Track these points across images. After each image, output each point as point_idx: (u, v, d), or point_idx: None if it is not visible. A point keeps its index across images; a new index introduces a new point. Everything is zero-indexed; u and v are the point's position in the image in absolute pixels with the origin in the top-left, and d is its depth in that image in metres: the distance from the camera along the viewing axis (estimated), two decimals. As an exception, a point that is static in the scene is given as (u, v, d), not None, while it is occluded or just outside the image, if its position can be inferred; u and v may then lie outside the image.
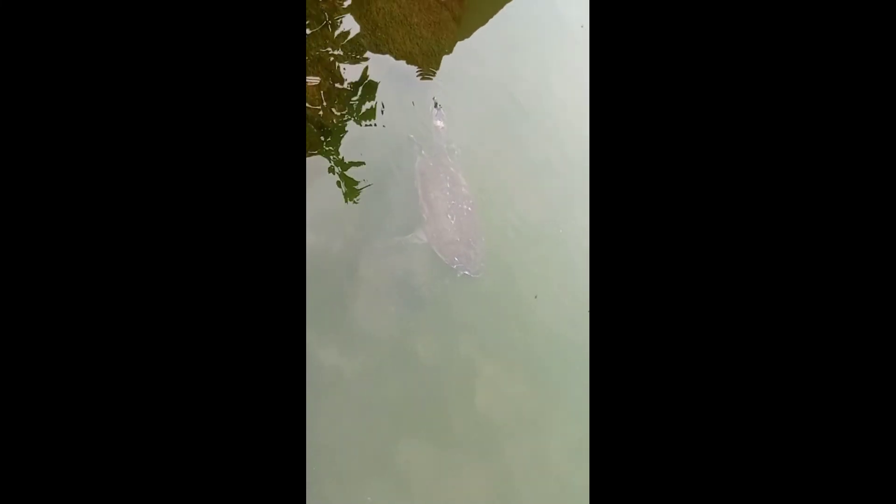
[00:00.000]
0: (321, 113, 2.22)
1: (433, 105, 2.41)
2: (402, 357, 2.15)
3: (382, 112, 2.37)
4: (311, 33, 2.30)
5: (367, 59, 2.41)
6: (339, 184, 2.20)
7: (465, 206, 2.22)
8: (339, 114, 2.27)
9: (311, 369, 1.95)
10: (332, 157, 2.22)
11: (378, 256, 2.23)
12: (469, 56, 2.74)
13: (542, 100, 2.81)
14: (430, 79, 2.52)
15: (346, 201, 2.18)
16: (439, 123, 2.36)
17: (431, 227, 2.13)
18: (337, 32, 2.38)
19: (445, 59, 2.64)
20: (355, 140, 2.30)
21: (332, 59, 2.31)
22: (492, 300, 2.37)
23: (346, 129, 2.29)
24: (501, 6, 2.95)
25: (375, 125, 2.31)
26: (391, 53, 2.43)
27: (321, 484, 1.91)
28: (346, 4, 2.39)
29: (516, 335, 2.34)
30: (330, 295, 2.15)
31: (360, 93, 2.33)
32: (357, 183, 2.20)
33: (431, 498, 2.04)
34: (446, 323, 2.27)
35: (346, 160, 2.25)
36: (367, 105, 2.31)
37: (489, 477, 2.10)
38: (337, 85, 2.31)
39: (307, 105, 2.20)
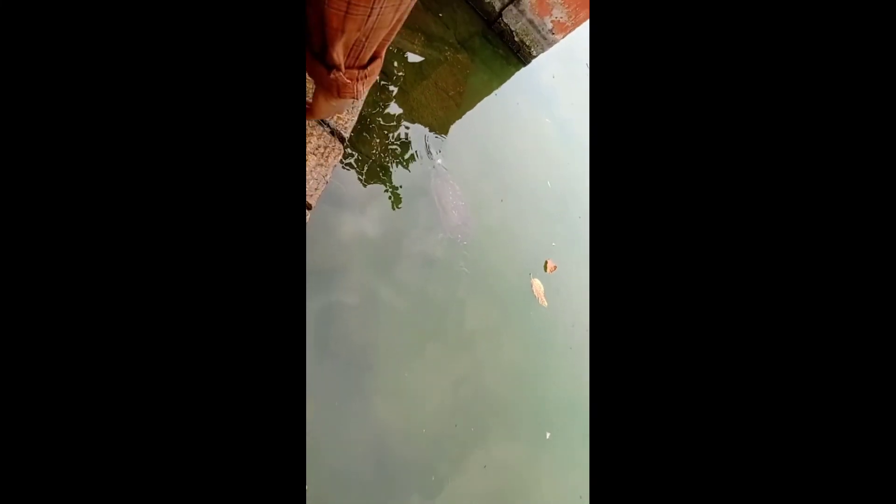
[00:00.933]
0: (381, 158, 3.33)
1: (427, 150, 3.42)
2: (423, 296, 3.00)
3: (416, 156, 3.52)
4: (371, 113, 3.49)
5: (408, 127, 3.47)
6: (390, 198, 3.26)
7: (461, 203, 3.25)
8: (390, 158, 3.30)
9: (377, 302, 2.79)
10: (386, 183, 3.21)
11: (412, 239, 3.10)
12: (464, 125, 3.84)
13: (503, 145, 3.92)
14: (441, 138, 3.61)
15: (393, 208, 3.24)
16: (439, 161, 3.45)
17: (445, 220, 3.23)
18: (386, 112, 3.43)
19: (452, 127, 3.73)
20: (399, 173, 3.26)
21: (383, 128, 3.40)
22: (475, 261, 3.27)
23: (393, 167, 3.30)
24: (482, 99, 4.05)
25: (396, 167, 3.34)
26: (420, 123, 3.50)
27: (379, 364, 2.61)
28: (393, 95, 3.47)
29: (491, 281, 3.29)
30: (385, 259, 2.94)
31: (401, 146, 3.44)
32: (400, 198, 3.27)
33: (439, 371, 2.84)
34: (449, 274, 3.17)
35: (396, 184, 3.18)
36: (408, 153, 3.41)
37: (470, 363, 2.96)
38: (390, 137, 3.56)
39: (375, 153, 3.46)
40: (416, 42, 3.76)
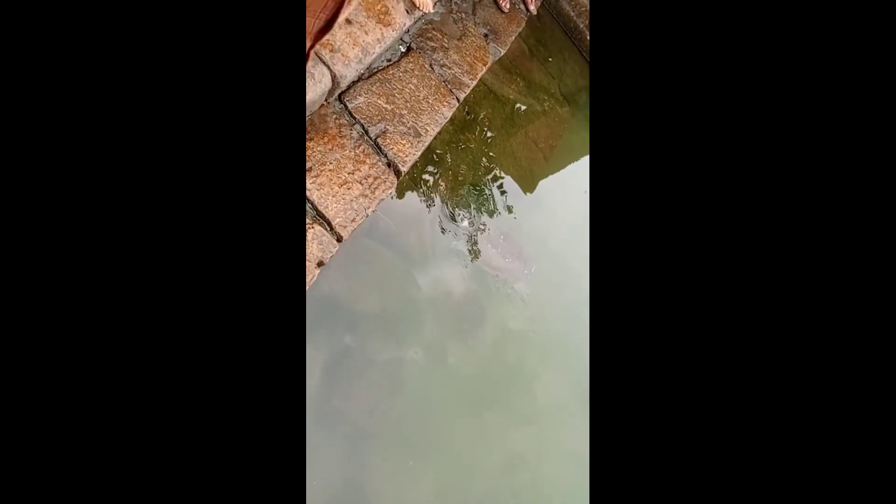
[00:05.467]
0: (446, 200, 3.16)
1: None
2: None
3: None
4: (442, 151, 3.26)
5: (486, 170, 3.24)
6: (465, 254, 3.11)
7: (515, 254, 3.08)
8: (456, 203, 3.16)
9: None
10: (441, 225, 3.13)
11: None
12: (549, 184, 3.57)
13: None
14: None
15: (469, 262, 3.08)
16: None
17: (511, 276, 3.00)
18: (460, 150, 3.19)
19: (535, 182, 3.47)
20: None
21: (452, 168, 3.16)
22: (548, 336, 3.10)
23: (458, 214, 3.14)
24: (576, 159, 3.74)
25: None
26: (500, 170, 3.24)
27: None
28: (474, 136, 3.25)
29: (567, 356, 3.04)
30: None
31: (472, 193, 3.21)
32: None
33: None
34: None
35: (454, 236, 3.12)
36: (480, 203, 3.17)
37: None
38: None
39: (438, 191, 3.12)
40: (513, 87, 3.53)
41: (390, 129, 2.79)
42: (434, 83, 3.08)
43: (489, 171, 3.26)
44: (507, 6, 3.66)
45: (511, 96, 3.48)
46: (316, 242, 2.49)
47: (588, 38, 3.89)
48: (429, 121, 2.97)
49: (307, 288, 2.37)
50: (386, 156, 2.73)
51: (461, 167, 3.13)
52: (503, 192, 3.24)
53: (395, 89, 2.89)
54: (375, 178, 2.66)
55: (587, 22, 3.91)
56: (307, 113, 2.61)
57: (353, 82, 2.80)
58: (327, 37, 2.20)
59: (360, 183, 2.65)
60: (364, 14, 2.90)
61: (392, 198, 2.82)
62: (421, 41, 3.16)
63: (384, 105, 2.81)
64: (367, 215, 2.57)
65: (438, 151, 3.06)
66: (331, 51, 2.68)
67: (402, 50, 3.04)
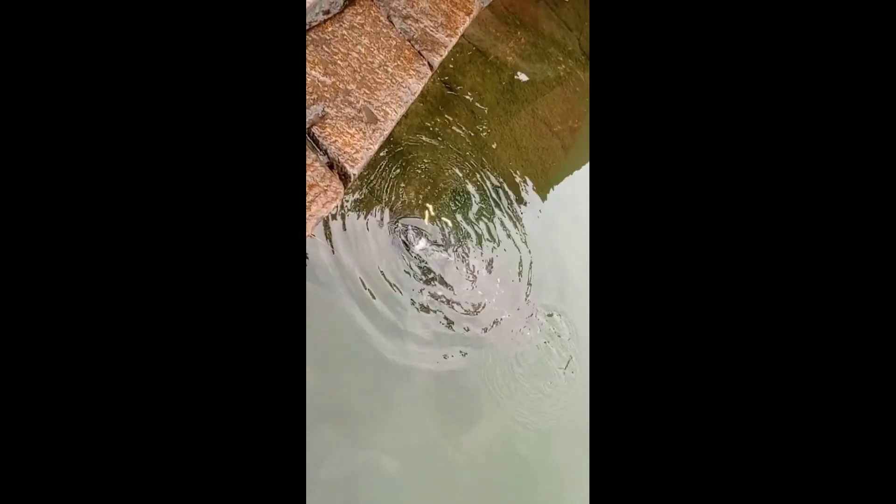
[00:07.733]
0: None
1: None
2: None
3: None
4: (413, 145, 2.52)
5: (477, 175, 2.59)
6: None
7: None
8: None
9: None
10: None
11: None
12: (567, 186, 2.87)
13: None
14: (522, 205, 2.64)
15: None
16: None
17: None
18: (437, 145, 2.57)
19: (547, 183, 2.78)
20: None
21: (428, 172, 2.49)
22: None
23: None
24: None
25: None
26: (494, 171, 2.61)
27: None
28: (456, 120, 2.60)
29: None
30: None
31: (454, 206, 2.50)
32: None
33: None
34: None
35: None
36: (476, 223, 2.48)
37: None
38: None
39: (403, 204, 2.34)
40: (512, 45, 2.91)
41: (332, 112, 2.24)
42: (395, 44, 2.54)
43: (481, 170, 2.66)
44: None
45: (510, 58, 2.95)
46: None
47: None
48: (388, 98, 2.43)
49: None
50: (326, 152, 2.18)
51: (440, 166, 2.55)
52: (504, 203, 2.65)
53: (336, 54, 2.34)
54: (312, 187, 2.09)
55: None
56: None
57: (272, 45, 2.19)
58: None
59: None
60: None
61: (340, 214, 2.24)
62: (373, -17, 2.68)
63: (321, 78, 2.29)
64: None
65: (405, 143, 2.50)
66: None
67: (346, -4, 2.47)
